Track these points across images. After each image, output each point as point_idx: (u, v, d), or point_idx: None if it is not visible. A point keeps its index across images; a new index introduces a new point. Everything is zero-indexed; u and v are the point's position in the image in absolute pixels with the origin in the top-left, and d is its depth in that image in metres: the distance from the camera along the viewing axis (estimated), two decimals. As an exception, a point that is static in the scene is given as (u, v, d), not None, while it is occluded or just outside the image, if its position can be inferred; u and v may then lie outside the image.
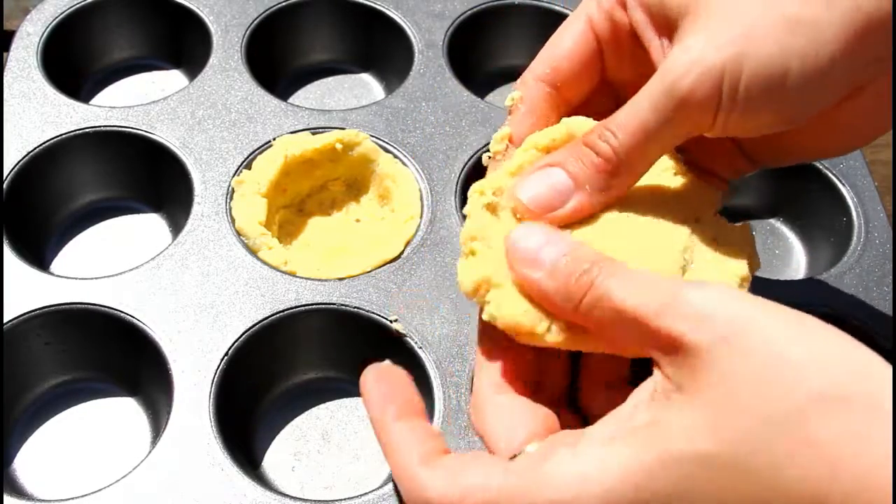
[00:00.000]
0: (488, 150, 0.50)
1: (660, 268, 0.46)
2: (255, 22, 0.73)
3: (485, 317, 0.43)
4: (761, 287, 0.61)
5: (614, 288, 0.39)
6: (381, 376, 0.44)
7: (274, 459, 0.56)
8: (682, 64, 0.42)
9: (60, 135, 0.65)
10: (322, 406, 0.58)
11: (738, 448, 0.34)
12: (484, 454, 0.41)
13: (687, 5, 0.44)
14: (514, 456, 0.40)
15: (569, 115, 0.49)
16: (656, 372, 0.38)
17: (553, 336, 0.43)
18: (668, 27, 0.46)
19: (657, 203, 0.48)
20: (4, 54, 0.71)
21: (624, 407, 0.39)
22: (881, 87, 0.45)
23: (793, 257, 0.67)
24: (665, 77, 0.43)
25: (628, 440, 0.37)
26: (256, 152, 0.65)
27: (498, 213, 0.47)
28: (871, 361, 0.34)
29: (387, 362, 0.44)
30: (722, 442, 0.35)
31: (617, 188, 0.46)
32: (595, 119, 0.48)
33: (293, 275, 0.59)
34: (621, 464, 0.36)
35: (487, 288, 0.44)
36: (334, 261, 0.61)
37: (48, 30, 0.72)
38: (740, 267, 0.46)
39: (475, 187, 0.47)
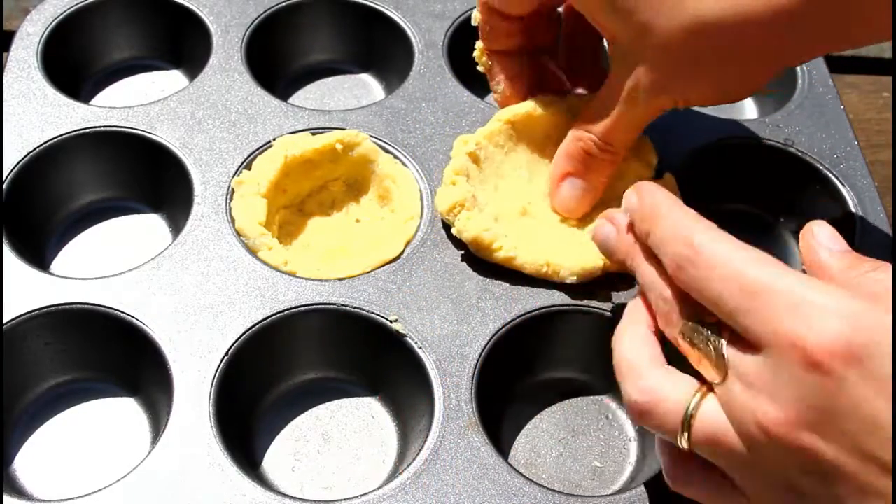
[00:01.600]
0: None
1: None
2: (255, 22, 0.73)
3: (453, 231, 0.59)
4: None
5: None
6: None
7: (274, 460, 0.56)
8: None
9: (60, 135, 0.65)
10: (322, 406, 0.58)
11: None
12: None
13: None
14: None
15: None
16: None
17: (504, 253, 0.58)
18: None
19: None
20: (4, 54, 0.71)
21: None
22: None
23: (793, 257, 0.67)
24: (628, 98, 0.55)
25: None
26: (256, 152, 0.65)
27: (480, 164, 0.62)
28: None
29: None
30: None
31: (612, 164, 0.59)
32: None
33: (293, 275, 0.59)
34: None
35: (459, 211, 0.59)
36: (334, 261, 0.61)
37: (48, 30, 0.72)
38: None
39: (461, 138, 0.62)
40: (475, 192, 0.61)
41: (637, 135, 0.58)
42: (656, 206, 0.45)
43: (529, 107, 0.63)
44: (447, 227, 0.60)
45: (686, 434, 0.41)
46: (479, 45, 0.63)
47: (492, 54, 0.62)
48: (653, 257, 0.45)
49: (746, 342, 0.40)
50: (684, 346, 0.43)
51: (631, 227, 0.48)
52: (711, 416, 0.41)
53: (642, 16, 0.51)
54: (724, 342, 0.41)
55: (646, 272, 0.46)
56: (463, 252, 0.60)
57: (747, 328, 0.39)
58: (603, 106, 0.57)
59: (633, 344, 0.45)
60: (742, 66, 0.52)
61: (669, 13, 0.50)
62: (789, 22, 0.48)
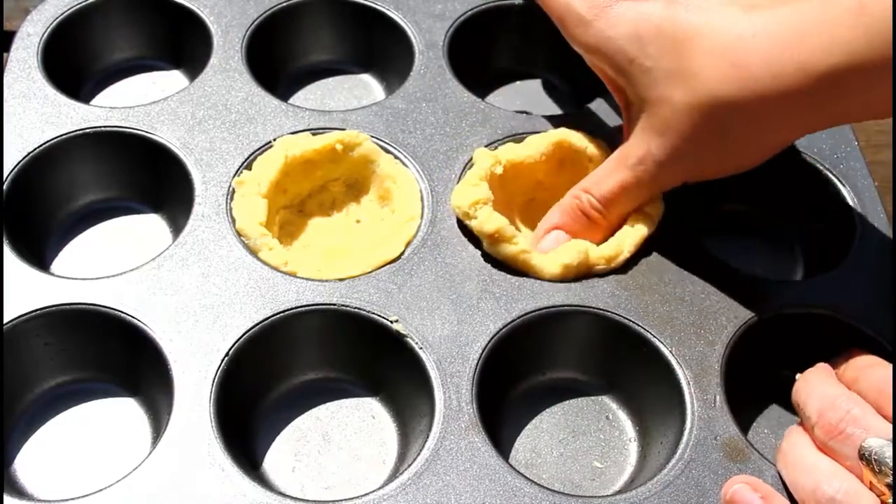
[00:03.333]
0: None
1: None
2: (256, 22, 0.73)
3: (474, 224, 0.59)
4: (762, 287, 0.61)
5: None
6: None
7: (274, 460, 0.56)
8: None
9: (61, 135, 0.65)
10: (322, 406, 0.58)
11: None
12: None
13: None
14: None
15: None
16: None
17: (517, 247, 0.58)
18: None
19: None
20: (5, 54, 0.71)
21: None
22: None
23: (793, 257, 0.67)
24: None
25: None
26: (257, 153, 0.65)
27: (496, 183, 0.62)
28: None
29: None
30: None
31: (602, 230, 0.61)
32: None
33: (293, 275, 0.59)
34: None
35: (481, 206, 0.59)
36: (335, 261, 0.61)
37: (48, 30, 0.72)
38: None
39: (488, 153, 0.63)
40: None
41: (632, 208, 0.60)
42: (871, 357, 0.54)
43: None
44: (460, 222, 0.61)
45: None
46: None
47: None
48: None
49: None
50: (855, 463, 0.47)
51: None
52: None
53: (661, 90, 0.54)
54: None
55: (831, 394, 0.51)
56: (463, 252, 0.60)
57: None
58: (610, 170, 0.59)
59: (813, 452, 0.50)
60: (748, 141, 0.55)
61: (685, 88, 0.53)
62: (796, 101, 0.51)
